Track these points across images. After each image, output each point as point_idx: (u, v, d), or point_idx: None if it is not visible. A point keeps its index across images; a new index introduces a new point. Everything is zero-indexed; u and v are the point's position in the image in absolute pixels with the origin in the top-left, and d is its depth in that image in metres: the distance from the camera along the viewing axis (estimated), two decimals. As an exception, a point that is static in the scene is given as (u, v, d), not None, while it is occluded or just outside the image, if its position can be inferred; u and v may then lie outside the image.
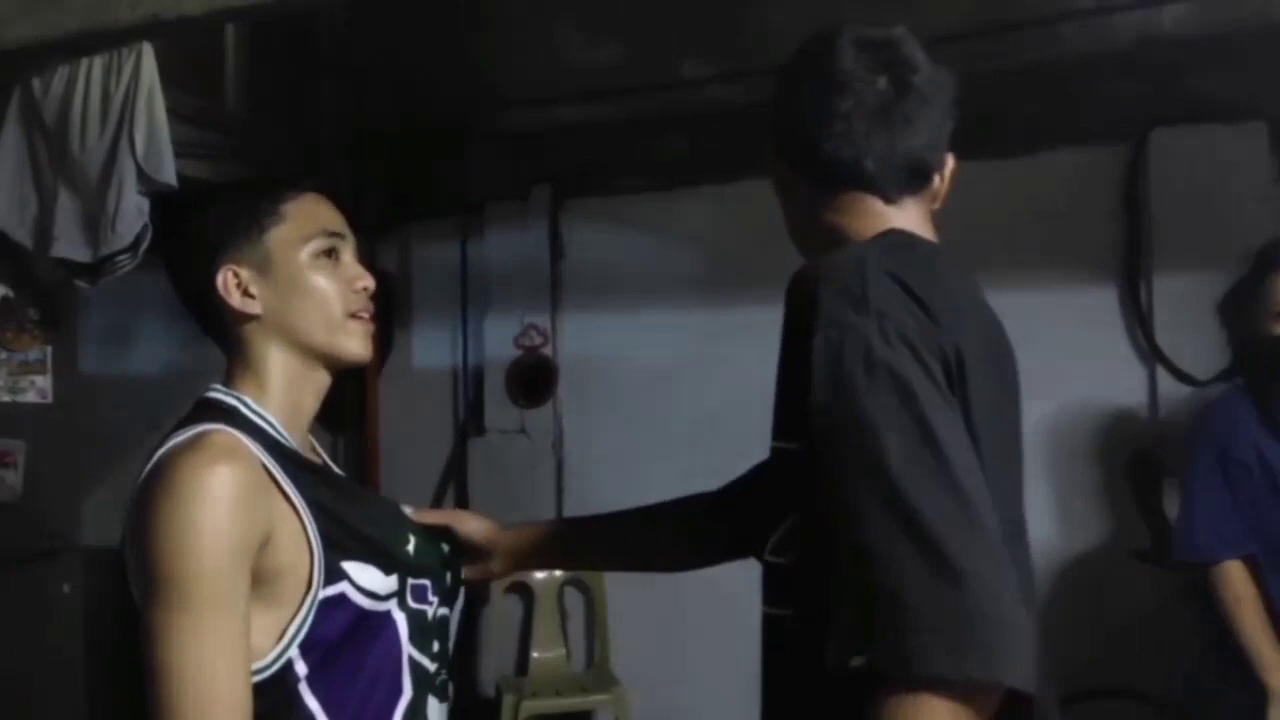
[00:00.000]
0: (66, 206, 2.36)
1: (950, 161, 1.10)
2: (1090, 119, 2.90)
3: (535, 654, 3.48)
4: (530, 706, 3.22)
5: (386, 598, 1.08)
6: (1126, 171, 2.95)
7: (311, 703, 1.02)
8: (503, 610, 3.50)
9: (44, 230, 2.41)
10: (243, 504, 0.97)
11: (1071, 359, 2.73)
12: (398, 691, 1.08)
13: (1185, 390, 2.86)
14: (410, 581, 1.12)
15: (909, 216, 1.06)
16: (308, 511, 1.03)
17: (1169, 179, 2.86)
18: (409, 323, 3.65)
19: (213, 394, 1.10)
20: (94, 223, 2.33)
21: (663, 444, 3.35)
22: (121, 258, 2.32)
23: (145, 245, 2.32)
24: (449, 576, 1.20)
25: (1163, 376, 2.90)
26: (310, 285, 1.11)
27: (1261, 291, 2.25)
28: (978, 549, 0.83)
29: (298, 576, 1.02)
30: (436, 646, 1.15)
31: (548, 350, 3.54)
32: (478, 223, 3.59)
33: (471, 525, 1.24)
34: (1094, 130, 2.92)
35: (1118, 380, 2.87)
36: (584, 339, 3.55)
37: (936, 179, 1.08)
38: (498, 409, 3.57)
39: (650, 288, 3.41)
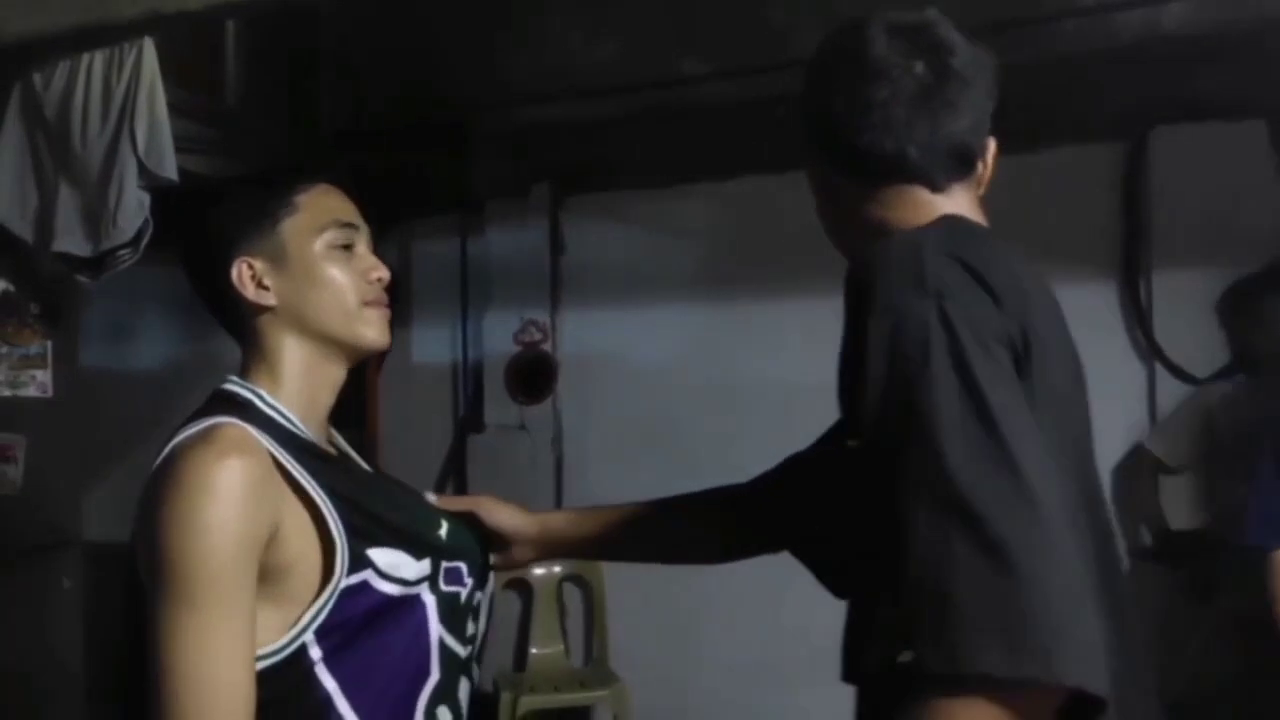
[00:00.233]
0: (67, 201, 2.37)
1: (992, 144, 1.06)
2: (1091, 117, 2.90)
3: (534, 650, 3.49)
4: (528, 702, 3.22)
5: (417, 582, 1.07)
6: (1126, 169, 2.95)
7: (329, 683, 1.01)
8: (501, 606, 3.50)
9: (45, 225, 2.42)
10: (250, 499, 0.97)
11: (1071, 356, 2.74)
12: (425, 674, 1.07)
13: (1184, 388, 2.86)
14: (444, 564, 1.11)
15: (958, 203, 1.02)
16: (327, 502, 1.03)
17: (1169, 177, 2.86)
18: (409, 319, 3.66)
19: (228, 386, 1.10)
20: (95, 217, 2.33)
21: (662, 440, 3.36)
22: (123, 252, 2.33)
23: (146, 240, 2.32)
24: (484, 558, 1.19)
25: (1161, 374, 2.90)
26: (325, 275, 1.10)
27: None
28: (1040, 544, 0.77)
29: (309, 569, 1.01)
30: (470, 629, 1.14)
31: (547, 347, 3.54)
32: (478, 219, 3.59)
33: (498, 512, 1.22)
34: (1094, 128, 2.93)
35: (1117, 377, 2.88)
36: (584, 336, 3.55)
37: (980, 164, 1.04)
38: (497, 405, 3.57)
39: (650, 284, 3.41)
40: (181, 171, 2.30)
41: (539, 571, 3.46)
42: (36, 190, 2.43)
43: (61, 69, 2.34)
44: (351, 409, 1.17)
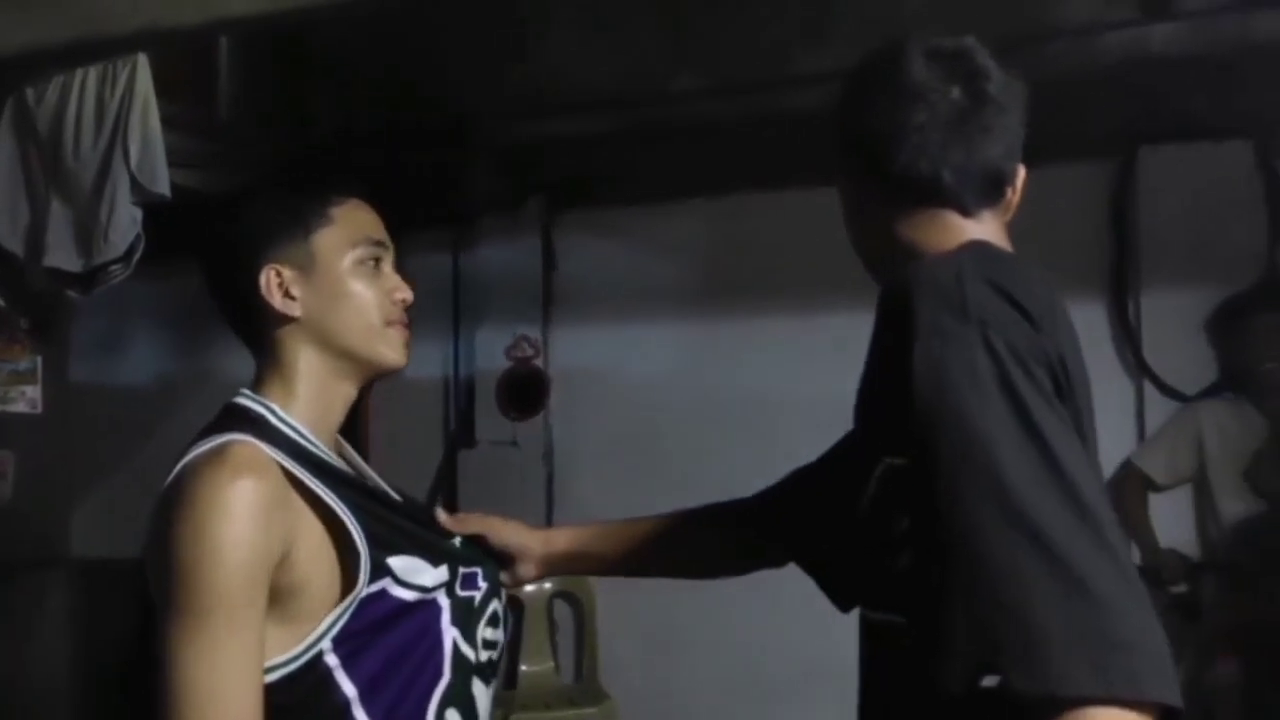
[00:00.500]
0: (59, 216, 2.37)
1: (1021, 171, 1.07)
2: (1078, 137, 2.92)
3: (524, 667, 3.47)
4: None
5: (435, 588, 1.08)
6: (1115, 189, 2.97)
7: (348, 688, 1.01)
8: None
9: (36, 240, 2.42)
10: (262, 519, 0.97)
11: (1060, 374, 2.75)
12: (438, 675, 1.07)
13: (1172, 405, 2.88)
14: (462, 570, 1.12)
15: (987, 229, 1.03)
16: (347, 512, 1.03)
17: (1157, 197, 2.88)
18: (401, 334, 3.65)
19: (240, 401, 1.09)
20: (87, 233, 2.33)
21: (653, 456, 3.36)
22: (114, 268, 2.33)
23: (138, 255, 2.32)
24: (495, 571, 1.20)
25: (1150, 391, 2.92)
26: (352, 291, 1.10)
27: None
28: (1105, 563, 0.80)
29: (324, 585, 1.01)
30: (484, 634, 1.14)
31: (539, 362, 3.54)
32: (470, 234, 3.59)
33: (504, 530, 1.23)
34: (1082, 148, 2.95)
35: (1105, 395, 2.87)
36: (575, 351, 3.55)
37: (1009, 189, 1.06)
38: (489, 420, 3.57)
39: (642, 300, 3.42)
40: (174, 186, 2.30)
41: (529, 589, 3.45)
42: (28, 205, 2.43)
43: (55, 84, 2.34)
44: (343, 424, 1.17)
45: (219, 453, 1.00)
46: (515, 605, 3.50)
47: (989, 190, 1.03)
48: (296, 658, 1.00)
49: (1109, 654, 0.77)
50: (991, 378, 0.85)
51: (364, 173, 3.38)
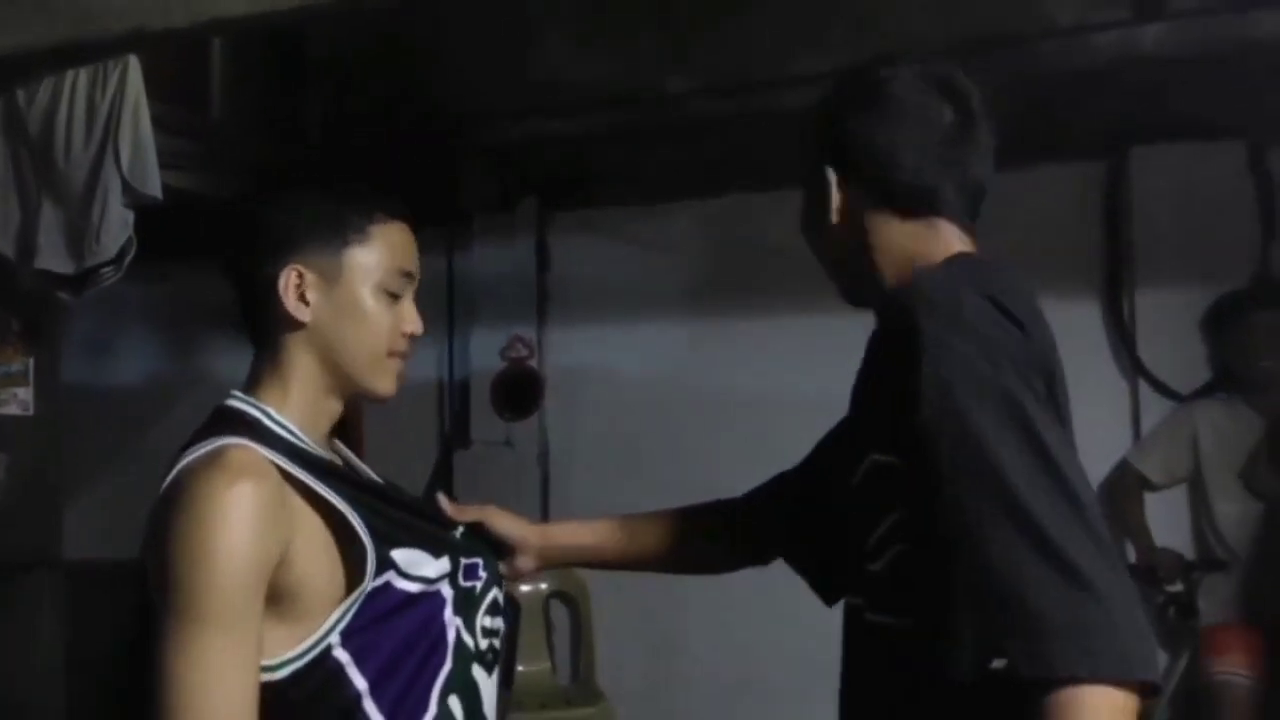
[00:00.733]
0: (50, 218, 2.36)
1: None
2: (1071, 137, 2.93)
3: (520, 667, 3.45)
4: (514, 720, 3.21)
5: (438, 579, 1.09)
6: (1107, 189, 2.98)
7: (360, 683, 1.02)
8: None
9: (27, 242, 2.41)
10: (260, 523, 0.97)
11: (1054, 373, 2.76)
12: (440, 664, 1.07)
13: (1167, 404, 2.88)
14: (463, 560, 1.13)
15: (968, 241, 1.11)
16: (350, 509, 1.03)
17: (1149, 196, 2.89)
18: (394, 334, 3.65)
19: (233, 403, 1.08)
20: (78, 235, 2.32)
21: (647, 456, 3.36)
22: (105, 270, 2.32)
23: (130, 257, 2.31)
24: (494, 560, 1.21)
25: (1145, 390, 2.92)
26: (367, 314, 1.09)
27: None
28: (1099, 556, 0.88)
29: (325, 583, 1.01)
30: (489, 622, 1.15)
31: (534, 362, 3.54)
32: (464, 235, 3.59)
33: (505, 522, 1.24)
34: (1075, 148, 2.95)
35: (1100, 394, 2.90)
36: (570, 351, 3.55)
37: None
38: (483, 421, 3.56)
39: (636, 300, 3.42)
40: (166, 188, 2.30)
41: (525, 588, 3.45)
42: (19, 207, 2.42)
43: (46, 85, 2.33)
44: (337, 424, 1.17)
45: (215, 457, 1.00)
46: (513, 605, 3.50)
47: (977, 203, 1.11)
48: (304, 654, 1.00)
49: (1100, 639, 0.85)
50: (992, 387, 0.92)
51: (356, 173, 3.38)
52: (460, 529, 1.18)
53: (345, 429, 1.20)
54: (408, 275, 1.12)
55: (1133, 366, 2.93)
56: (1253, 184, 2.84)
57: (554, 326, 3.57)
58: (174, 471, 1.01)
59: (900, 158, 1.07)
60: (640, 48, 3.16)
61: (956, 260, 1.06)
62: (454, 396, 3.65)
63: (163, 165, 2.30)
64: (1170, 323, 2.84)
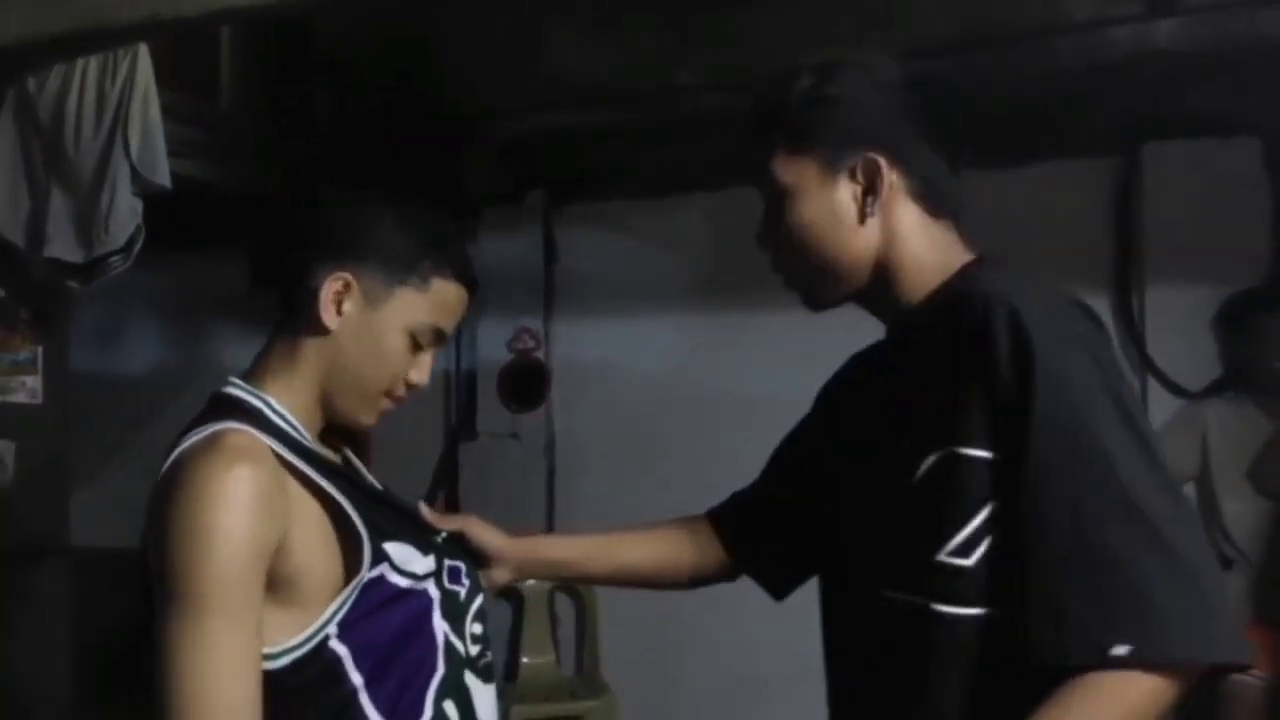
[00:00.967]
0: (60, 207, 2.36)
1: None
2: (1084, 133, 2.91)
3: (525, 659, 3.47)
4: (519, 712, 3.21)
5: (425, 577, 1.09)
6: (1119, 185, 2.96)
7: (356, 678, 1.01)
8: (492, 615, 3.48)
9: (37, 230, 2.41)
10: (259, 507, 0.97)
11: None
12: (432, 667, 1.07)
13: (1176, 402, 2.87)
14: (447, 562, 1.13)
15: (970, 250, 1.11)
16: (347, 500, 1.03)
17: (1162, 193, 2.87)
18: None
19: (233, 391, 1.08)
20: (87, 223, 2.33)
21: (654, 449, 3.36)
22: (114, 258, 2.32)
23: (138, 246, 2.31)
24: (475, 568, 1.21)
25: (1154, 387, 2.91)
26: (386, 353, 1.09)
27: None
28: (1198, 543, 0.92)
29: (324, 570, 1.01)
30: (478, 628, 1.15)
31: (540, 354, 3.54)
32: (472, 227, 3.59)
33: (484, 533, 1.25)
34: (1087, 144, 2.94)
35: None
36: (577, 344, 3.55)
37: None
38: (490, 413, 3.56)
39: (643, 293, 3.42)
40: (175, 177, 2.30)
41: (531, 581, 3.45)
42: (29, 195, 2.43)
43: (56, 73, 2.33)
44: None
45: (214, 441, 1.00)
46: (515, 597, 3.51)
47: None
48: (303, 643, 1.00)
49: (1214, 625, 0.90)
50: (1102, 384, 0.94)
51: (364, 165, 3.39)
52: (443, 535, 1.18)
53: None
54: (441, 335, 1.12)
55: (1142, 363, 2.92)
56: (1267, 181, 2.82)
57: (561, 319, 3.57)
58: (172, 456, 1.01)
59: (931, 156, 1.06)
60: (647, 42, 3.15)
61: (991, 263, 1.06)
62: (461, 389, 3.65)
63: (172, 154, 2.30)
64: (1180, 320, 2.83)
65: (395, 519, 1.11)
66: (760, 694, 3.10)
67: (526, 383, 3.53)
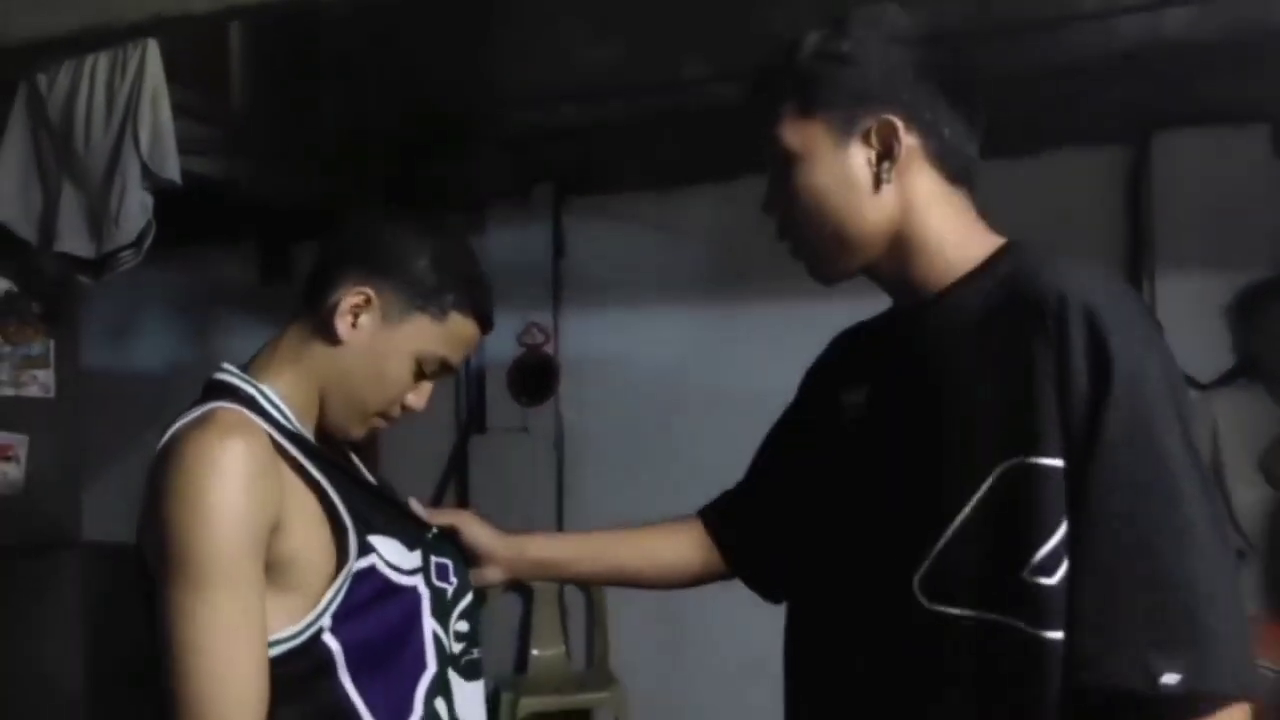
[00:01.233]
0: (70, 202, 2.37)
1: None
2: (1093, 121, 2.90)
3: (535, 651, 3.49)
4: (529, 704, 3.22)
5: (412, 572, 1.09)
6: (1130, 173, 2.95)
7: (346, 674, 1.01)
8: (502, 608, 3.50)
9: (48, 225, 2.42)
10: (253, 479, 0.97)
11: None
12: (421, 666, 1.07)
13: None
14: (434, 559, 1.13)
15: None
16: (332, 487, 1.04)
17: (1172, 181, 2.86)
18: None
19: (227, 379, 1.08)
20: (98, 218, 2.33)
21: (664, 442, 3.36)
22: (125, 254, 2.33)
23: (149, 242, 2.32)
24: (464, 566, 1.21)
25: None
26: (389, 375, 1.10)
27: None
28: (1234, 575, 0.88)
29: (318, 554, 1.01)
30: (464, 626, 1.15)
31: (550, 348, 3.54)
32: (479, 221, 3.59)
33: (476, 531, 1.22)
34: (1097, 132, 2.93)
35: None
36: (586, 337, 3.55)
37: None
38: (500, 407, 3.57)
39: (652, 286, 3.42)
40: (185, 173, 2.30)
41: (540, 573, 3.46)
42: (40, 190, 2.43)
43: (65, 70, 2.33)
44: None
45: (207, 417, 1.00)
46: (525, 589, 3.52)
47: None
48: (298, 635, 1.00)
49: (1249, 656, 0.86)
50: (1170, 398, 0.89)
51: (373, 159, 3.39)
52: (433, 531, 1.17)
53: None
54: (447, 367, 1.13)
55: (1153, 354, 2.91)
56: (1278, 169, 2.81)
57: (570, 313, 3.58)
58: (165, 438, 1.01)
59: (964, 127, 0.99)
60: (654, 33, 3.14)
61: (1032, 247, 1.00)
62: (471, 383, 3.66)
63: (181, 150, 2.31)
64: (1191, 309, 2.81)
65: (384, 513, 1.10)
66: (770, 688, 3.10)
67: (536, 377, 3.54)
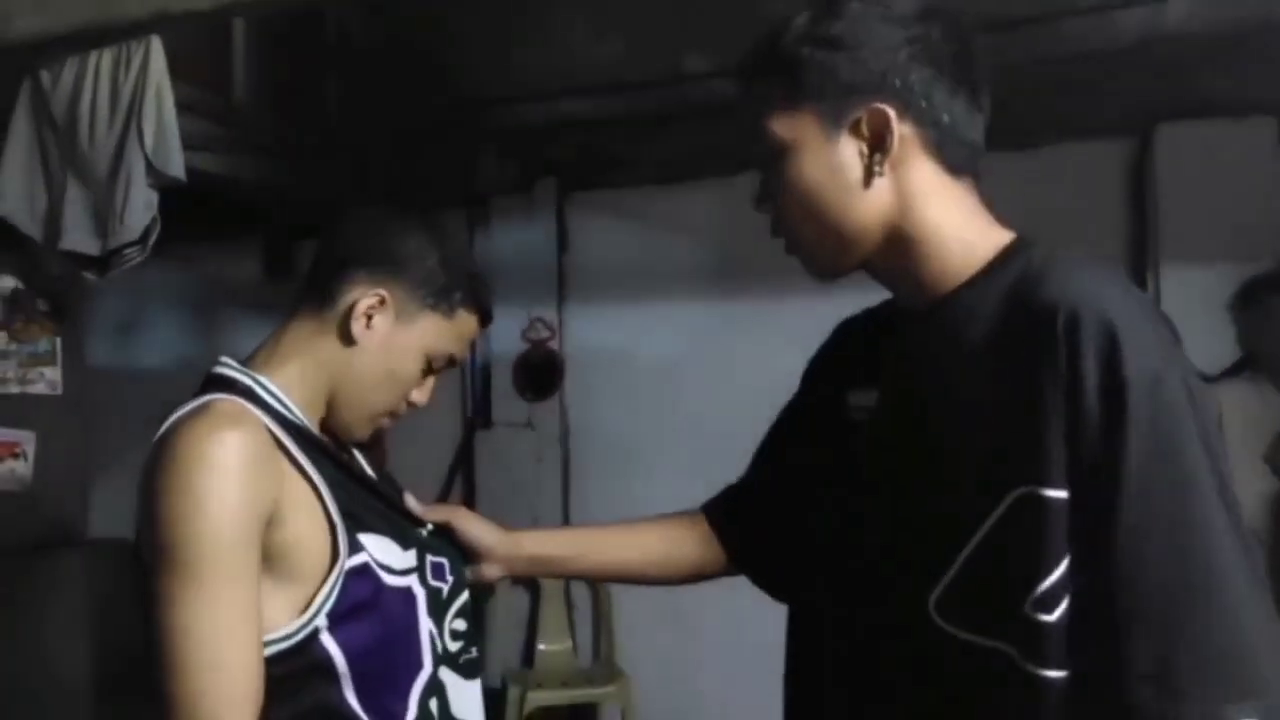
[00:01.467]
0: (75, 199, 2.37)
1: None
2: (1096, 115, 2.90)
3: (541, 646, 3.50)
4: (536, 698, 3.23)
5: (405, 572, 1.08)
6: (1132, 167, 2.95)
7: (344, 674, 1.01)
8: (509, 602, 3.51)
9: (53, 223, 2.42)
10: (249, 470, 0.96)
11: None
12: (417, 665, 1.07)
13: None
14: (429, 558, 1.13)
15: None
16: (323, 483, 1.03)
17: (1175, 174, 2.86)
18: (415, 316, 3.66)
19: (225, 371, 1.07)
20: (103, 215, 2.34)
21: (669, 437, 3.37)
22: (130, 250, 2.33)
23: (154, 238, 2.32)
24: (461, 564, 1.21)
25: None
26: (397, 373, 1.11)
27: None
28: (1262, 591, 0.83)
29: (315, 548, 1.01)
30: (461, 625, 1.15)
31: (554, 344, 3.55)
32: (483, 216, 3.60)
33: (473, 527, 1.21)
34: (1100, 126, 2.93)
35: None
36: (590, 332, 3.56)
37: None
38: (505, 402, 3.58)
39: (656, 281, 3.42)
40: (189, 170, 2.31)
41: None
42: (45, 188, 2.44)
43: (70, 67, 2.34)
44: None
45: (202, 409, 1.00)
46: (532, 584, 3.53)
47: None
48: (294, 633, 0.99)
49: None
50: (1194, 419, 0.83)
51: (377, 155, 3.39)
52: (429, 528, 1.17)
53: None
54: (453, 362, 1.16)
55: (1157, 347, 2.91)
56: (1280, 161, 2.81)
57: (574, 308, 3.58)
58: (161, 429, 1.01)
59: (966, 114, 0.93)
60: (657, 28, 3.14)
61: (1041, 245, 0.94)
62: (476, 378, 3.67)
63: (186, 147, 2.31)
64: (1196, 302, 2.81)
65: (377, 509, 1.10)
66: (777, 682, 3.10)
67: (541, 372, 3.55)
